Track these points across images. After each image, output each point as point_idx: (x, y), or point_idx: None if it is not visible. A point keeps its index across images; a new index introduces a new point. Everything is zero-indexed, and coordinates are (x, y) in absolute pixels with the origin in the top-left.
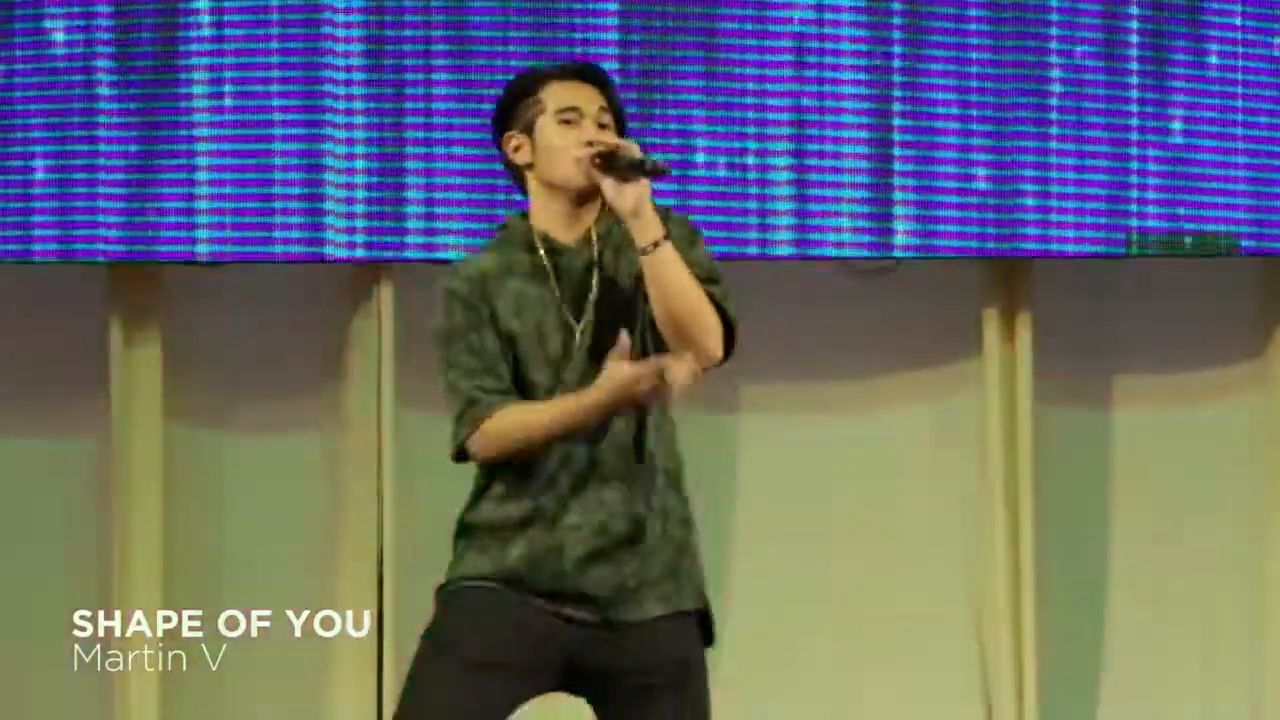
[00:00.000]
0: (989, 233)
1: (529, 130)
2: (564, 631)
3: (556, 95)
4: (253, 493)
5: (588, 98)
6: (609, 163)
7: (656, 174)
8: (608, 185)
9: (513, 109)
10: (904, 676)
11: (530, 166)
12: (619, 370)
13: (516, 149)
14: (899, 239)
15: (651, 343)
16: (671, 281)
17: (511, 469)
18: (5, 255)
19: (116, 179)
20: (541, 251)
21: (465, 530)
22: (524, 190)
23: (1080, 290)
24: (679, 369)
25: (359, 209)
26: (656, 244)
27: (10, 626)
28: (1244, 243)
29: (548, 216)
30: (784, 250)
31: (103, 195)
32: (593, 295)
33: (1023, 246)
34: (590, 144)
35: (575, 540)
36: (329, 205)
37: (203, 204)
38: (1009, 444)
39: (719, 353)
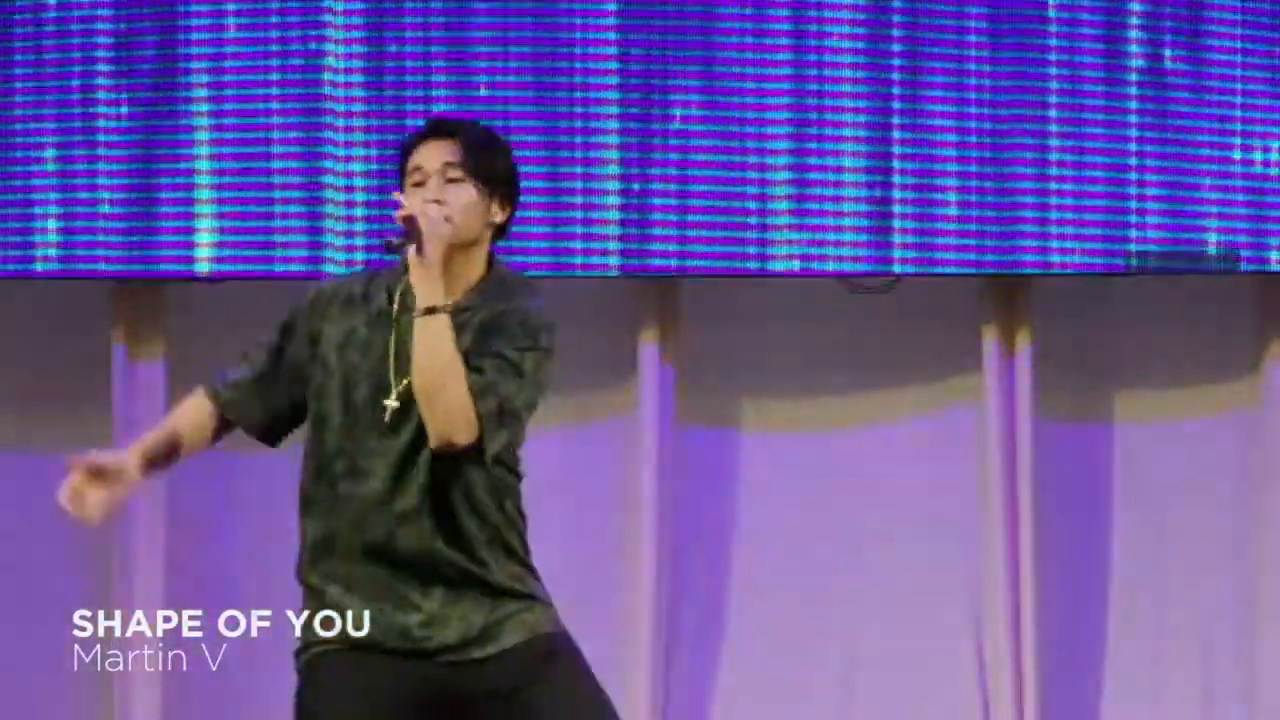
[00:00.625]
0: (988, 249)
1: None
2: (418, 675)
3: (410, 159)
4: (254, 505)
5: (432, 155)
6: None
7: (388, 249)
8: (407, 251)
9: (399, 183)
10: (904, 690)
11: None
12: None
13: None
14: (898, 255)
15: None
16: (423, 350)
17: (319, 523)
18: (8, 271)
19: (118, 195)
20: (395, 303)
21: (306, 589)
22: None
23: (1079, 306)
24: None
25: (359, 225)
26: (428, 311)
27: (14, 633)
28: (1244, 257)
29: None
30: (783, 266)
31: (104, 211)
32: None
33: (1022, 263)
34: (435, 202)
35: (411, 610)
36: (328, 221)
37: (203, 220)
38: (1008, 460)
39: (459, 438)
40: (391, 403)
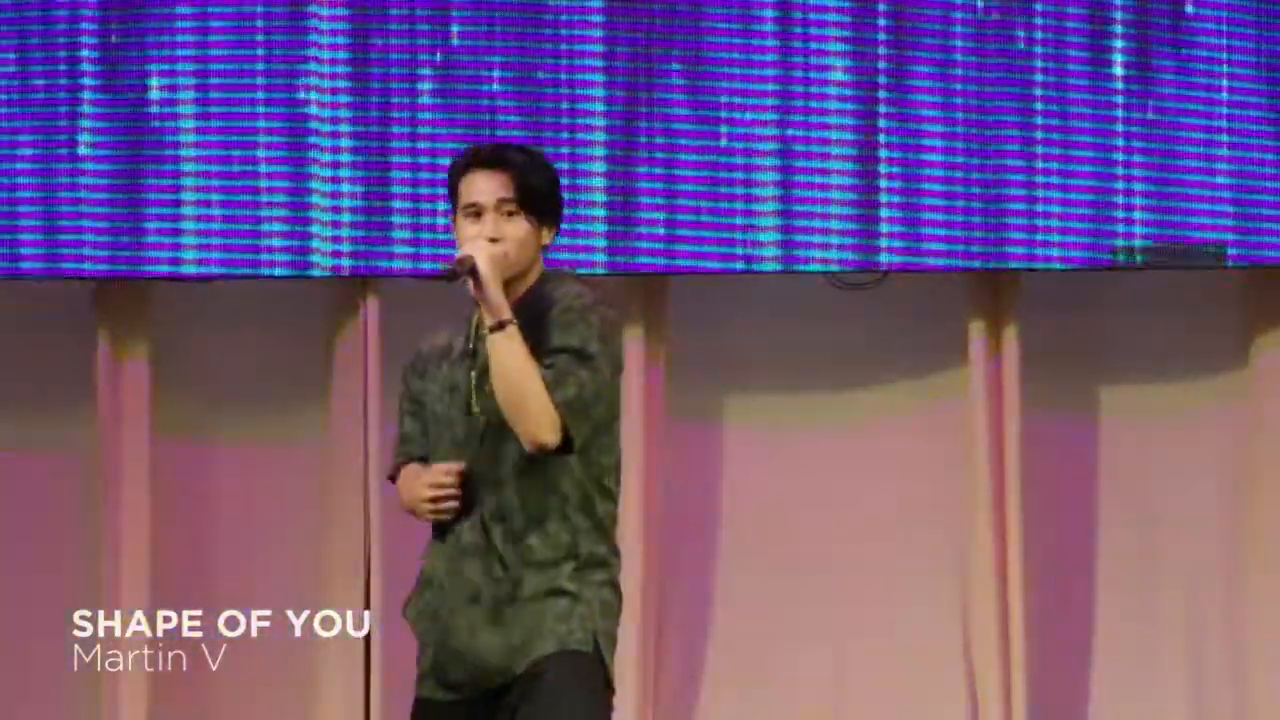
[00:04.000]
0: (975, 246)
1: (455, 221)
2: None
3: (464, 190)
4: (239, 505)
5: (487, 189)
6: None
7: (449, 278)
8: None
9: (450, 200)
10: (892, 684)
11: None
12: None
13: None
14: (885, 252)
15: None
16: (497, 367)
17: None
18: None
19: (102, 195)
20: (469, 337)
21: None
22: None
23: (1066, 301)
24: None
25: (345, 224)
26: (493, 329)
27: (5, 634)
28: (1230, 253)
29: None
30: (770, 265)
31: (88, 212)
32: (489, 385)
33: (1009, 260)
34: (493, 240)
35: None
36: (315, 221)
37: (189, 220)
38: (995, 454)
39: (547, 436)
40: (477, 421)
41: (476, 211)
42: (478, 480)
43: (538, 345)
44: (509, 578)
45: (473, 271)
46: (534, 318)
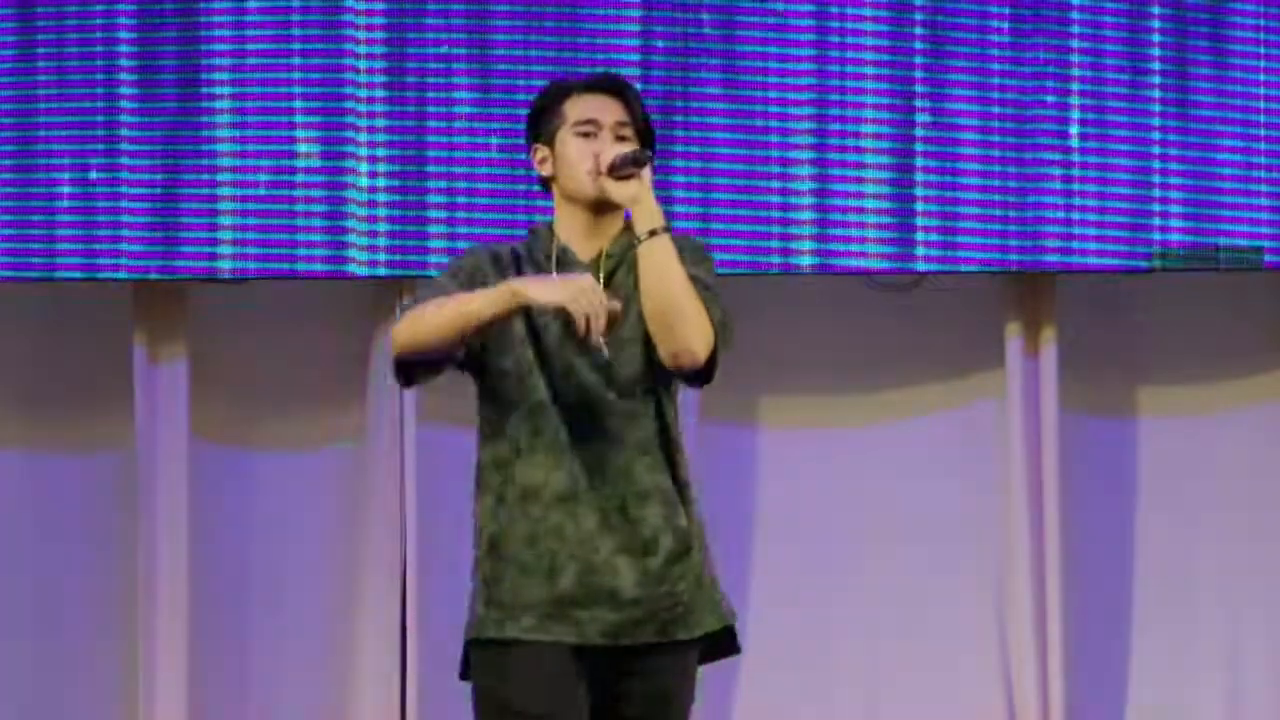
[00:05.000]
0: (1011, 246)
1: (550, 142)
2: None
3: (577, 107)
4: (277, 506)
5: (606, 110)
6: (611, 169)
7: (641, 161)
8: (608, 184)
9: (538, 121)
10: (928, 684)
11: (553, 179)
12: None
13: (541, 161)
14: (921, 253)
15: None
16: (658, 267)
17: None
18: (31, 274)
19: (140, 195)
20: (554, 261)
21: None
22: (551, 200)
23: (1102, 302)
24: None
25: (381, 225)
26: (654, 232)
27: (39, 633)
28: (1268, 256)
29: (569, 229)
30: (806, 264)
31: (126, 212)
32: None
33: (1046, 260)
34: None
35: None
36: (351, 222)
37: (226, 220)
38: (1032, 455)
39: (700, 349)
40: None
41: (591, 131)
42: (585, 407)
43: (638, 285)
44: (657, 515)
45: (640, 165)
46: (631, 260)
